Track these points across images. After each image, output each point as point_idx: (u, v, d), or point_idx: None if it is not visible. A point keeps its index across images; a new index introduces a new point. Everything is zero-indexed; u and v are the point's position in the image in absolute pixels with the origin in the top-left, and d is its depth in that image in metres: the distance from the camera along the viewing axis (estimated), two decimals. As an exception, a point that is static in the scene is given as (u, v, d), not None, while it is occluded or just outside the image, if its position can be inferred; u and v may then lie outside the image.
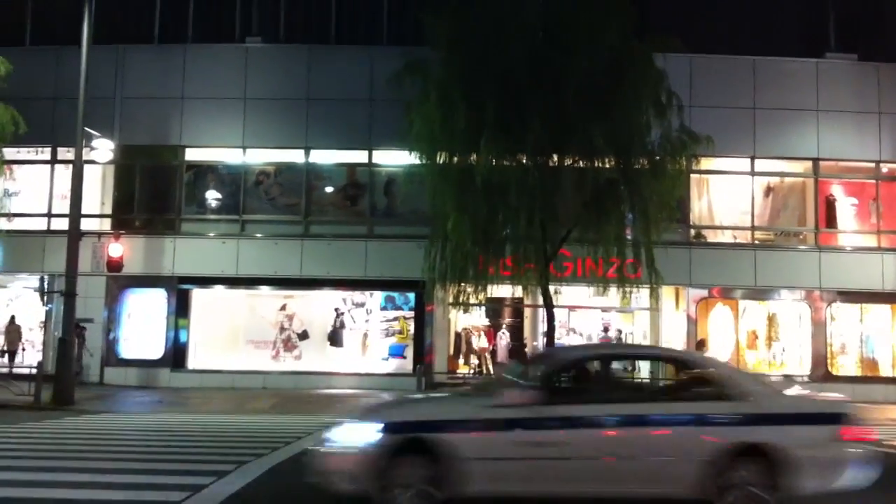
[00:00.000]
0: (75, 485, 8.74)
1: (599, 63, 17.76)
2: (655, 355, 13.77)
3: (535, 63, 17.78)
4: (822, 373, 23.28)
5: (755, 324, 23.88)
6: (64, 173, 22.30)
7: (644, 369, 19.32)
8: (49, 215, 23.66)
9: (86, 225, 20.99)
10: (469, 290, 19.44)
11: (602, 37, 17.68)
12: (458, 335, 25.03)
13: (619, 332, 24.69)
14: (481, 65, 17.82)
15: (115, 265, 21.70)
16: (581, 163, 18.79)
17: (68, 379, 18.47)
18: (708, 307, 23.70)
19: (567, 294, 21.63)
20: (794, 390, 8.90)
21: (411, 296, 23.42)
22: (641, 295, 20.40)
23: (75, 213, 19.19)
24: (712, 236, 24.26)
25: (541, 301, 20.33)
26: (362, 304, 23.92)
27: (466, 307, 21.49)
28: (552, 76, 17.65)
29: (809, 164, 24.06)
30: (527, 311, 25.00)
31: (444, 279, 19.05)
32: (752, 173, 23.95)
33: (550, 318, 19.60)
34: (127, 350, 23.40)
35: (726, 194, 24.31)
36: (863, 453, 7.81)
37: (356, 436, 7.65)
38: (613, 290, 20.11)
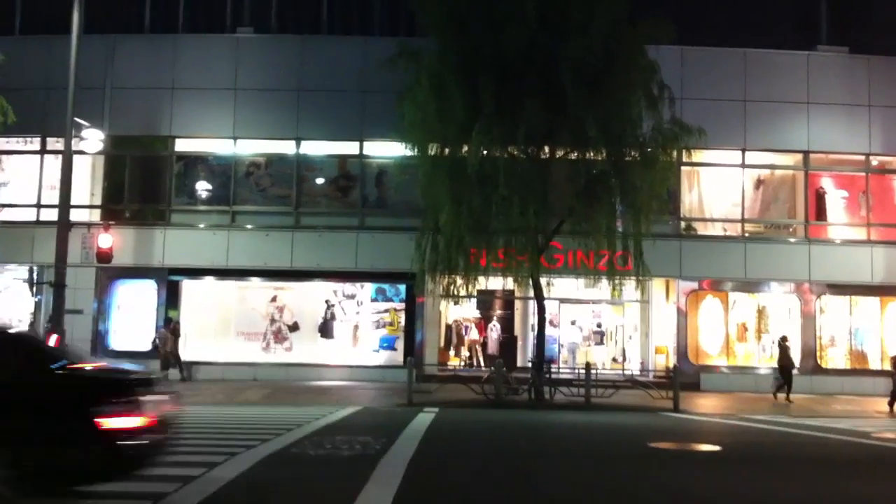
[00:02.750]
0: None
1: (591, 50, 17.75)
2: None
3: (529, 50, 17.75)
4: (811, 365, 23.38)
5: (745, 316, 23.94)
6: (53, 163, 22.14)
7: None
8: (38, 206, 23.49)
9: (75, 215, 20.92)
10: (460, 281, 19.46)
11: (594, 24, 17.67)
12: (448, 327, 25.09)
13: (599, 325, 24.78)
14: (474, 52, 17.79)
15: (104, 256, 21.58)
16: (573, 154, 18.84)
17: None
18: (698, 299, 23.75)
19: (558, 286, 21.68)
20: None
21: (402, 287, 23.40)
22: (631, 287, 20.46)
23: (65, 204, 19.09)
24: (703, 228, 24.29)
25: (532, 293, 20.36)
26: (353, 296, 23.89)
27: (457, 299, 21.50)
28: (545, 63, 17.64)
29: (800, 156, 24.10)
30: (517, 303, 25.04)
31: (435, 271, 19.09)
32: (743, 165, 23.98)
33: (541, 310, 19.67)
34: (116, 342, 23.29)
35: (717, 186, 24.36)
36: None
37: None
38: (604, 282, 20.19)
